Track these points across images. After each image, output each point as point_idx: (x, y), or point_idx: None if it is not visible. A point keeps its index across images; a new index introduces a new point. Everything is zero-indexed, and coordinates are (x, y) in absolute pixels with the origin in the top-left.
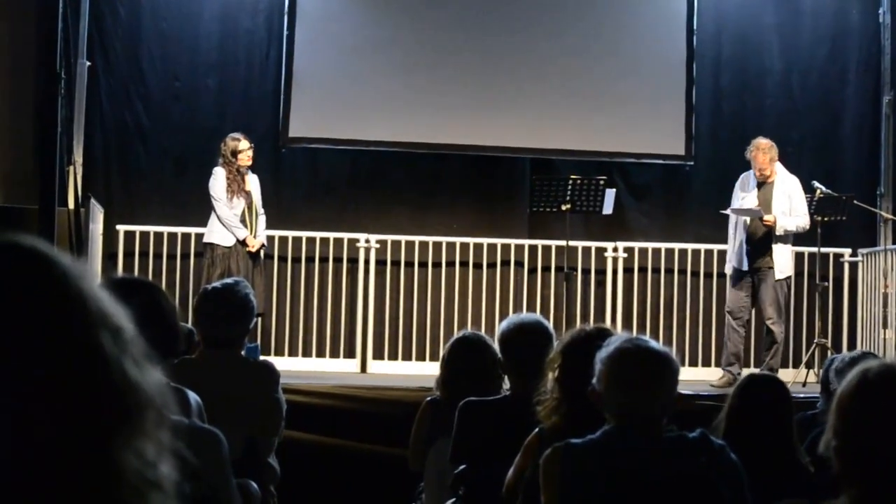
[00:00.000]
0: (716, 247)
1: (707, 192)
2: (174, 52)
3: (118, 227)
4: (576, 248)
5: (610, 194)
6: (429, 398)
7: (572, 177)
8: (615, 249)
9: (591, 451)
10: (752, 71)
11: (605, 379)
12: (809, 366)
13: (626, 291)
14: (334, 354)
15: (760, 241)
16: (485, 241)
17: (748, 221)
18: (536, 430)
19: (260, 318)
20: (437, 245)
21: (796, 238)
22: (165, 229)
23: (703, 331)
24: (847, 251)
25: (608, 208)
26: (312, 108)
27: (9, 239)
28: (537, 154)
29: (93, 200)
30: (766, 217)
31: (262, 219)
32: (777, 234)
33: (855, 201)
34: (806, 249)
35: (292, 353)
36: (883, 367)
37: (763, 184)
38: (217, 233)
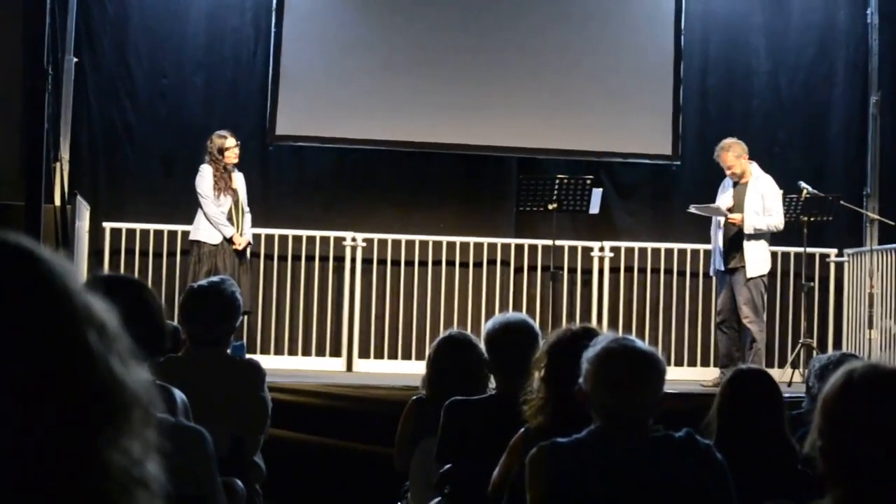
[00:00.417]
0: (702, 247)
1: (694, 192)
2: (161, 50)
3: (104, 224)
4: (562, 248)
5: (597, 194)
6: (414, 397)
7: (559, 176)
8: (602, 249)
9: (577, 451)
10: (740, 71)
11: (592, 378)
12: (795, 366)
13: (613, 291)
14: (320, 353)
15: (733, 241)
16: (471, 240)
17: (722, 222)
18: (522, 429)
19: (246, 317)
20: (424, 244)
21: (783, 238)
22: (152, 227)
23: (689, 331)
24: (833, 251)
25: (595, 208)
26: (299, 106)
27: None
28: (524, 153)
29: (79, 197)
30: (730, 216)
31: (248, 217)
32: (747, 232)
33: (841, 202)
34: (792, 249)
35: (278, 351)
36: (868, 367)
37: (738, 184)
38: (204, 230)
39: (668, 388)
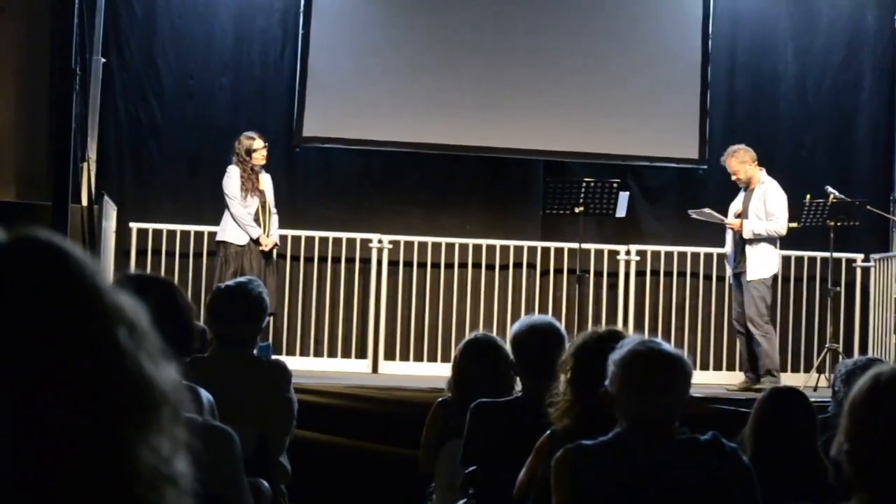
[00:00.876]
0: (728, 250)
1: (720, 195)
2: (189, 51)
3: (131, 224)
4: (588, 251)
5: (623, 197)
6: (440, 399)
7: (586, 179)
8: (628, 252)
9: (602, 453)
10: (767, 75)
11: (618, 381)
12: (821, 370)
13: (639, 294)
14: (346, 354)
15: (738, 246)
16: (497, 242)
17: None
18: (548, 431)
19: (272, 318)
20: (450, 246)
21: (809, 243)
22: (178, 227)
23: (714, 334)
24: (859, 256)
25: (621, 211)
26: (326, 108)
27: (25, 233)
28: (551, 156)
29: (106, 198)
30: (728, 222)
31: (275, 218)
32: (745, 237)
33: (868, 206)
34: (819, 254)
35: (304, 352)
36: (895, 371)
37: (748, 189)
38: (230, 231)
39: (693, 392)
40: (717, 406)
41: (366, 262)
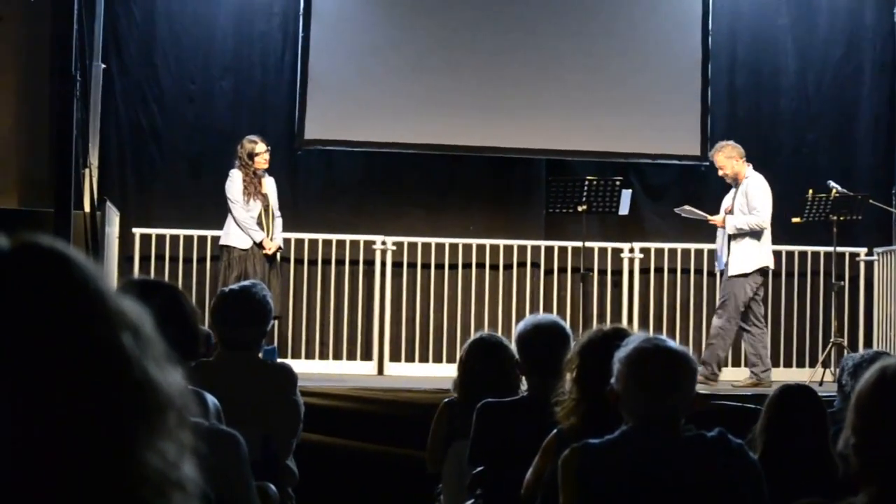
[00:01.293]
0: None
1: (722, 192)
2: (189, 55)
3: (134, 230)
4: (592, 249)
5: (626, 195)
6: (446, 400)
7: (588, 178)
8: (631, 250)
9: (609, 452)
10: (767, 71)
11: (624, 379)
12: (826, 365)
13: (643, 292)
14: (351, 357)
15: (725, 241)
16: (501, 242)
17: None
18: (555, 430)
19: (277, 321)
20: (453, 247)
21: (812, 237)
22: (181, 232)
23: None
24: (863, 250)
25: (624, 209)
26: (328, 110)
27: (28, 239)
28: (553, 155)
29: (108, 203)
30: (710, 218)
31: (279, 221)
32: (728, 233)
33: (870, 200)
34: (822, 249)
35: (309, 355)
36: None
37: (736, 185)
38: (233, 235)
39: (699, 388)
40: (722, 403)
41: (369, 263)
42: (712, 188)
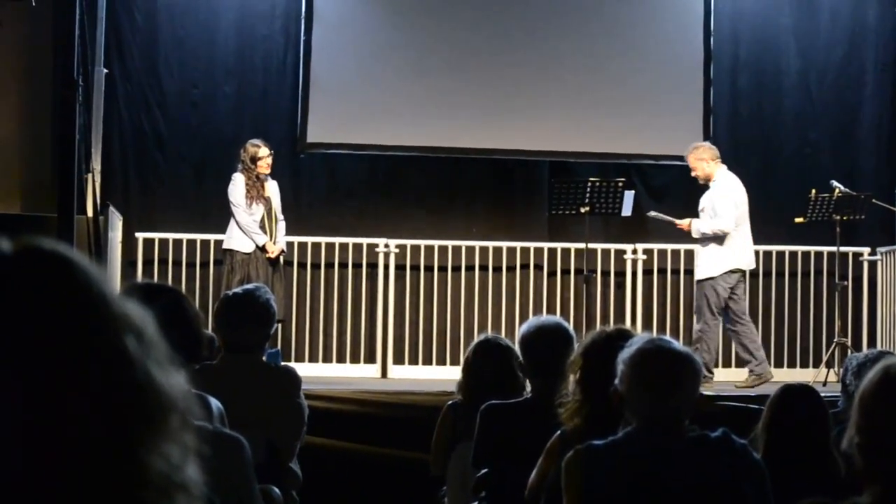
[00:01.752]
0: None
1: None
2: (191, 59)
3: (137, 234)
4: (595, 251)
5: (629, 196)
6: (450, 402)
7: (591, 179)
8: (634, 251)
9: (613, 453)
10: (769, 72)
11: (628, 380)
12: (830, 365)
13: (646, 293)
14: (355, 360)
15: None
16: (504, 244)
17: None
18: (558, 432)
19: (280, 325)
20: (457, 249)
21: (815, 237)
22: (184, 236)
23: (723, 331)
24: (866, 250)
25: (627, 210)
26: (330, 114)
27: (31, 242)
28: (555, 157)
29: (111, 208)
30: (678, 222)
31: (282, 225)
32: (694, 237)
33: (873, 200)
34: (825, 249)
35: (313, 358)
36: None
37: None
38: (236, 239)
39: (703, 390)
40: (726, 403)
41: (372, 266)
42: None
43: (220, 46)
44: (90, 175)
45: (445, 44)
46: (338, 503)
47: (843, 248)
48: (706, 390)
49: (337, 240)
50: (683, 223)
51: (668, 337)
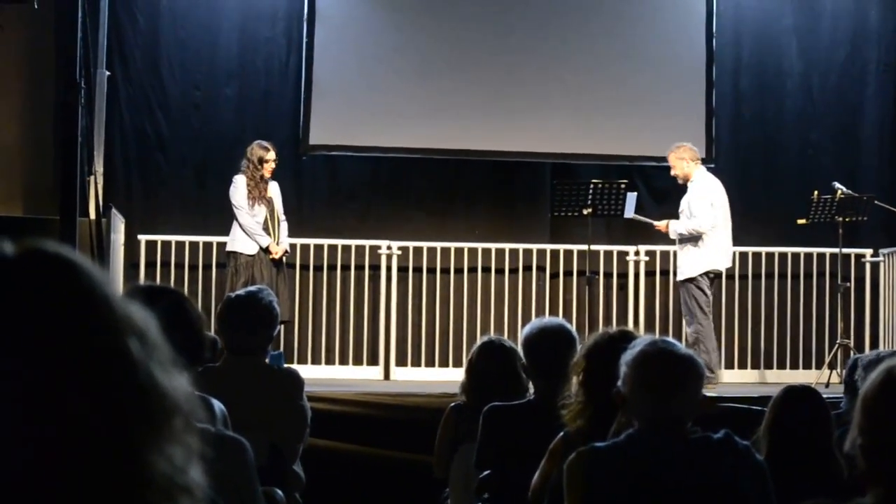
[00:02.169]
0: (737, 249)
1: (728, 194)
2: (193, 61)
3: (139, 237)
4: (597, 252)
5: (631, 198)
6: (453, 404)
7: (593, 181)
8: (637, 253)
9: (615, 454)
10: (772, 73)
11: (630, 382)
12: (832, 366)
13: (648, 295)
14: (357, 362)
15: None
16: (506, 246)
17: None
18: (561, 433)
19: (283, 326)
20: (459, 251)
21: (817, 239)
22: (187, 238)
23: (725, 333)
24: (868, 251)
25: (629, 212)
26: (332, 116)
27: (34, 245)
28: (558, 159)
29: (114, 210)
30: (656, 224)
31: (284, 225)
32: (671, 238)
33: (876, 202)
34: (827, 250)
35: (315, 360)
36: None
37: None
38: (239, 241)
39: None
40: (727, 405)
41: (375, 268)
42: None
43: (222, 48)
44: (92, 177)
45: (447, 45)
46: None
47: (845, 250)
48: (709, 391)
49: (339, 242)
50: (661, 224)
51: (670, 339)
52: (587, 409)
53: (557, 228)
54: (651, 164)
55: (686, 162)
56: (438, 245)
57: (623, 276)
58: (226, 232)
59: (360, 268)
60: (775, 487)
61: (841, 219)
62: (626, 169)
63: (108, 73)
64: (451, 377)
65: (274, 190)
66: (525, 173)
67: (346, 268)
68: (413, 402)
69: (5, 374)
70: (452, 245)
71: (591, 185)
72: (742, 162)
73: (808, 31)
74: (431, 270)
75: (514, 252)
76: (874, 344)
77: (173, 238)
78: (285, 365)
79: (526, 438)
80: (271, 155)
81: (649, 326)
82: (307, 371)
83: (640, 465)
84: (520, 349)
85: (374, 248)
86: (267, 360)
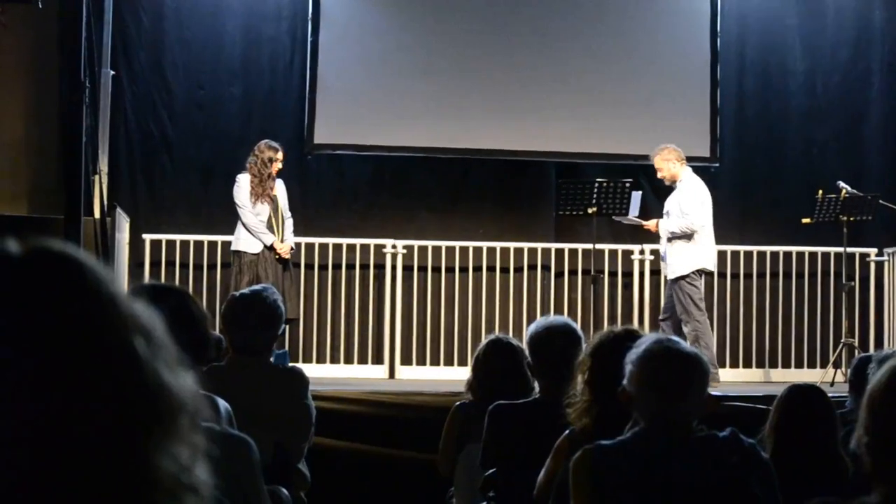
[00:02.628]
0: (742, 248)
1: (732, 193)
2: (198, 61)
3: (144, 236)
4: (602, 251)
5: (636, 197)
6: (458, 403)
7: (598, 180)
8: (642, 252)
9: (621, 453)
10: (776, 72)
11: (636, 380)
12: (837, 365)
13: (653, 294)
14: (362, 360)
15: (665, 245)
16: (511, 245)
17: None
18: (567, 432)
19: (289, 324)
20: (464, 250)
21: (822, 238)
22: (192, 238)
23: (730, 332)
24: (873, 251)
25: (634, 211)
26: (337, 115)
27: (40, 244)
28: (562, 158)
29: (119, 210)
30: (645, 223)
31: (290, 223)
32: (662, 237)
33: (881, 201)
34: (832, 249)
35: (320, 359)
36: None
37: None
38: (244, 240)
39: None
40: (732, 403)
41: (380, 267)
42: (722, 189)
43: (227, 48)
44: (97, 176)
45: (452, 45)
46: None
47: (850, 249)
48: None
49: (344, 241)
50: (650, 224)
51: (675, 337)
52: (592, 407)
53: (562, 227)
54: None
55: (672, 163)
56: (443, 244)
57: (628, 274)
58: (230, 231)
59: (365, 267)
60: (781, 485)
61: (845, 218)
62: (631, 168)
63: (112, 72)
64: (456, 376)
65: (279, 188)
66: (530, 172)
67: (350, 267)
68: (418, 400)
69: (12, 372)
70: (457, 244)
71: (596, 185)
72: (746, 161)
73: (813, 31)
74: (436, 269)
75: (518, 251)
76: (879, 343)
77: (178, 237)
78: (290, 364)
79: (531, 437)
80: (279, 156)
81: (654, 325)
82: (312, 370)
83: (646, 464)
84: (525, 348)
85: (378, 247)
86: (272, 360)
